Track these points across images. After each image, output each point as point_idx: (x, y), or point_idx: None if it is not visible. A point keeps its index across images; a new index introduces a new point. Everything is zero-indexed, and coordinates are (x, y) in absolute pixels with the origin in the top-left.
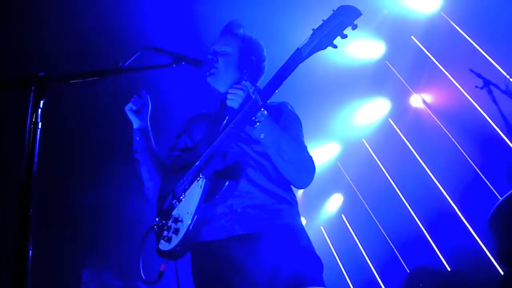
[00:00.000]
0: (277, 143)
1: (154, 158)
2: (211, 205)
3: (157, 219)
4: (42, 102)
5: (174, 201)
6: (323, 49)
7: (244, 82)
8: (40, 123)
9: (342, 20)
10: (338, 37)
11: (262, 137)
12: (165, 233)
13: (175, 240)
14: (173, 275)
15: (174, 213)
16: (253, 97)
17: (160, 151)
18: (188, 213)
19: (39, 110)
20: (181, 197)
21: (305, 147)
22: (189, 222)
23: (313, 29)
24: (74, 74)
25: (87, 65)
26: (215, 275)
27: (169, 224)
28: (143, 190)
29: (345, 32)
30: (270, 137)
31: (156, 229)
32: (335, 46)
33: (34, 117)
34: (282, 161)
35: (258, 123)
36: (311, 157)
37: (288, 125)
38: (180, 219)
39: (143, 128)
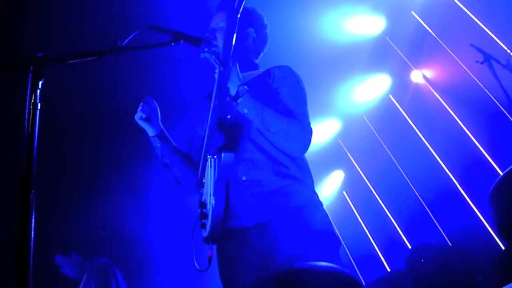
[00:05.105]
0: (260, 116)
1: (181, 157)
2: (227, 183)
3: (198, 210)
4: (40, 82)
5: (200, 189)
6: None
7: (203, 54)
8: (39, 104)
9: None
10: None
11: (246, 112)
12: (203, 221)
13: (208, 224)
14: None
15: (203, 199)
16: (216, 66)
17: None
18: (209, 195)
19: (38, 91)
20: (203, 183)
21: (292, 111)
22: (212, 203)
23: None
24: (72, 54)
25: (88, 46)
26: (231, 255)
27: (204, 212)
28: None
29: None
30: (253, 111)
31: (199, 219)
32: None
33: (33, 98)
34: (270, 133)
35: (239, 99)
36: (301, 122)
37: (279, 90)
38: (206, 203)
39: (159, 134)
